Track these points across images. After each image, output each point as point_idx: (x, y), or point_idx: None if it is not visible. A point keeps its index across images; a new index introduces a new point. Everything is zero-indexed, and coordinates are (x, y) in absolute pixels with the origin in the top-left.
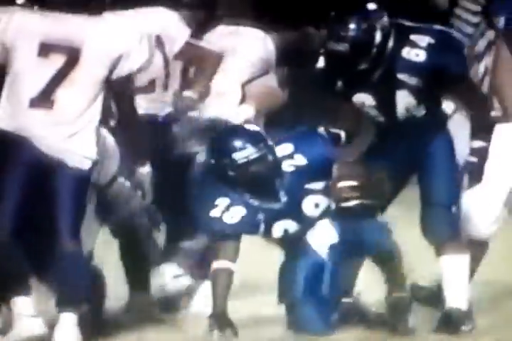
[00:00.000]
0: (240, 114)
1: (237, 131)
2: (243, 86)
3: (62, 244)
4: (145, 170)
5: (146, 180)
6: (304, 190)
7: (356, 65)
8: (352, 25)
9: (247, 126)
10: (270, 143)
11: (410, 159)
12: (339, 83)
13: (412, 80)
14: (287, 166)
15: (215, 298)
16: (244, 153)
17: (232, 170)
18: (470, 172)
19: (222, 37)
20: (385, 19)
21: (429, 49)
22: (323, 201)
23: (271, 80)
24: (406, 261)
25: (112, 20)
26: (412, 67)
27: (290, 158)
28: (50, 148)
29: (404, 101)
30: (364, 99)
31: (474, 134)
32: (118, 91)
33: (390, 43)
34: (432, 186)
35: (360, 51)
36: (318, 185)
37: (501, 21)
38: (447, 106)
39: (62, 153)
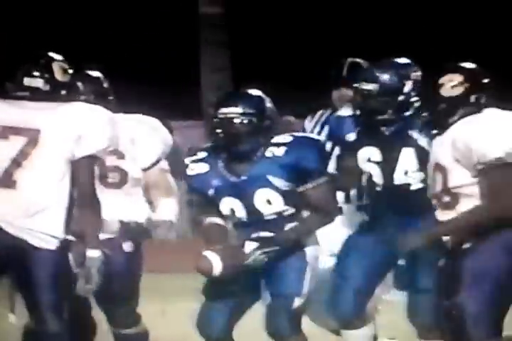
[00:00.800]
0: (165, 210)
1: (241, 92)
2: (143, 171)
3: (45, 325)
4: (94, 253)
5: (94, 265)
6: (265, 180)
7: (383, 108)
8: (385, 68)
9: (253, 92)
10: (268, 114)
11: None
12: (352, 133)
13: (421, 140)
14: (268, 152)
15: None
16: (231, 109)
17: (218, 124)
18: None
19: (121, 124)
20: (419, 73)
21: None
22: (277, 202)
23: (165, 165)
24: None
25: (72, 103)
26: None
27: (276, 146)
28: (10, 227)
29: (407, 161)
30: (371, 153)
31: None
32: (77, 173)
33: (416, 102)
34: (421, 271)
35: (389, 94)
36: (280, 183)
37: None
38: None
39: (23, 231)
